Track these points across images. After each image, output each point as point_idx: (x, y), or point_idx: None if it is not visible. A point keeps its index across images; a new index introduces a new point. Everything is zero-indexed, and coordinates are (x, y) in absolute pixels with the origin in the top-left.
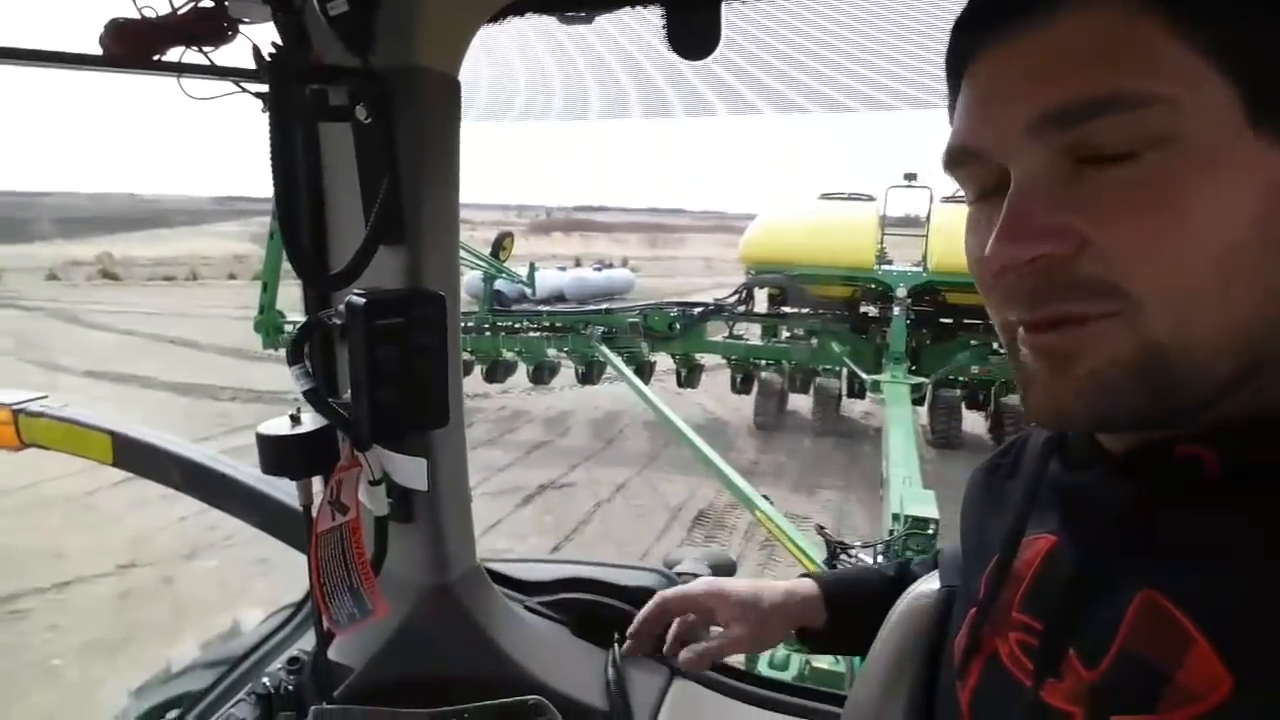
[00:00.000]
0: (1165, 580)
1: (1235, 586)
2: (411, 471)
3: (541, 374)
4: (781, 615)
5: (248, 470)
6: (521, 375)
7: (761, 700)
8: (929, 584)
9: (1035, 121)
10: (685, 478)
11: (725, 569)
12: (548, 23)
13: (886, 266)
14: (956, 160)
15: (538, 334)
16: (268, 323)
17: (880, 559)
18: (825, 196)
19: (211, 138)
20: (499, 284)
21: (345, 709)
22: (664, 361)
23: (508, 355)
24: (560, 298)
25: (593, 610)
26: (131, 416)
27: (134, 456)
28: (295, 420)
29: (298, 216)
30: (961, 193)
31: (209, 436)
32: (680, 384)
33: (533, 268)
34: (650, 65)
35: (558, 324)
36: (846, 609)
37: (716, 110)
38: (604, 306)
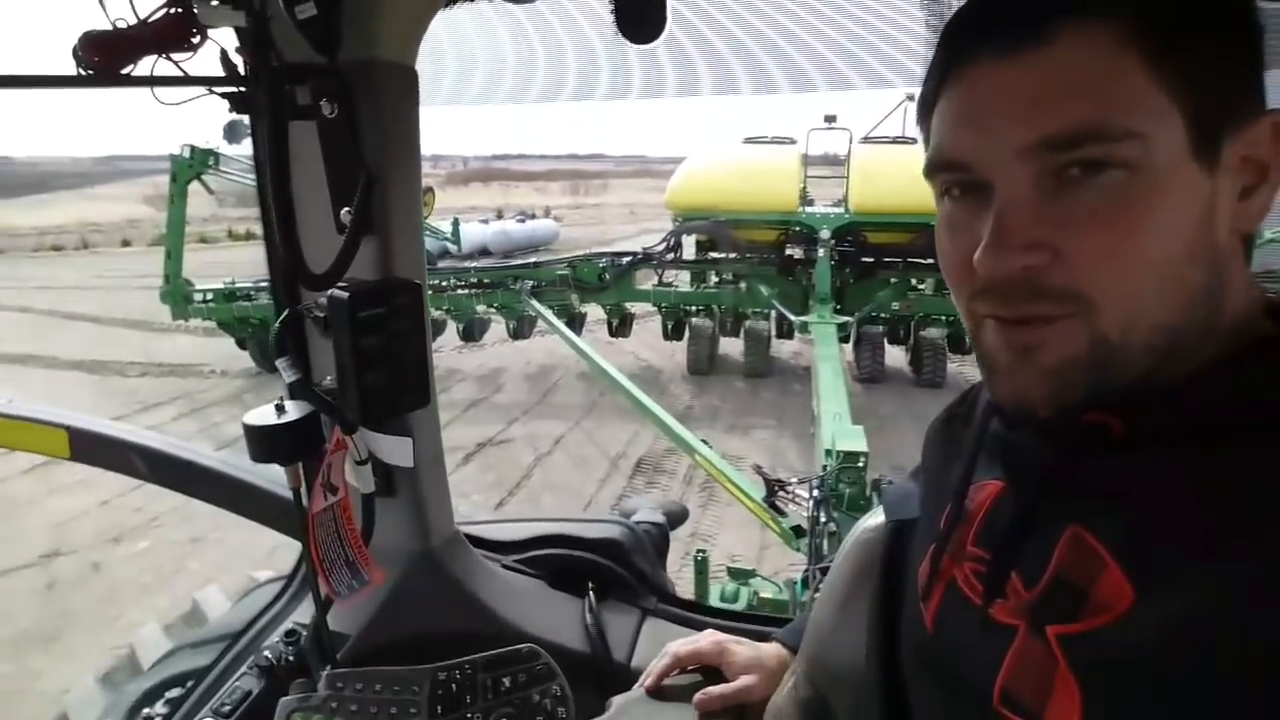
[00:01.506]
0: (1086, 518)
1: (1137, 522)
2: (398, 450)
3: (472, 331)
4: (784, 671)
5: (211, 454)
6: (451, 334)
7: (723, 629)
8: (874, 519)
9: (1030, 146)
10: (623, 426)
11: (678, 516)
12: (498, 7)
13: (810, 209)
14: (944, 168)
15: (465, 291)
16: (175, 293)
17: (816, 493)
18: (749, 141)
19: (87, 94)
20: None
21: (354, 670)
22: (595, 312)
23: (436, 314)
24: (484, 252)
25: (565, 563)
26: (37, 399)
27: (93, 450)
28: (280, 409)
29: (291, 218)
30: (878, 133)
31: (123, 415)
32: (612, 334)
33: (456, 223)
34: (599, 47)
35: (485, 280)
36: None
37: (666, 91)
38: (531, 260)
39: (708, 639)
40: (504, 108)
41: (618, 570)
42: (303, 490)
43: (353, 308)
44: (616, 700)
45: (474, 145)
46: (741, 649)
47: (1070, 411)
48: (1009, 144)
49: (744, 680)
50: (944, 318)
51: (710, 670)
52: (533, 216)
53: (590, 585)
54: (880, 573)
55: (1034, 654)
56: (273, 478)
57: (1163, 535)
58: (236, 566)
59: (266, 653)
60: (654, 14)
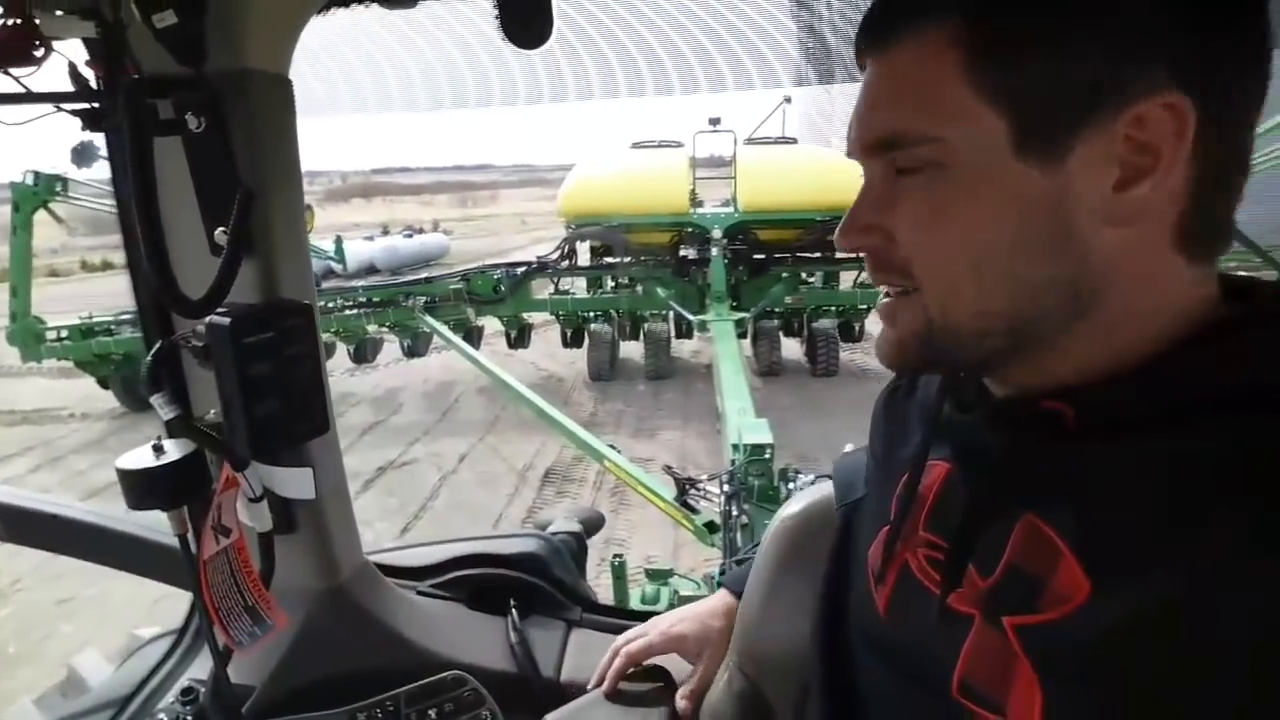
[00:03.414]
0: (1041, 507)
1: (1092, 512)
2: (297, 482)
3: (364, 352)
4: (730, 632)
5: (78, 505)
6: (342, 356)
7: None
8: (792, 506)
9: (867, 145)
10: (528, 438)
11: (594, 523)
12: (376, 13)
13: (701, 210)
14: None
15: (355, 311)
16: (24, 332)
17: (726, 488)
18: (636, 145)
19: None
20: None
21: None
22: (492, 324)
23: (325, 337)
24: (371, 269)
25: (483, 583)
26: None
27: None
28: (159, 450)
29: (160, 242)
30: (760, 134)
31: None
32: (511, 345)
33: (339, 241)
34: (481, 52)
35: (375, 298)
36: None
37: (568, 96)
38: (423, 275)
39: (655, 632)
40: (382, 121)
41: (538, 584)
42: (190, 536)
43: (235, 334)
44: (549, 718)
45: (352, 160)
46: (689, 630)
47: (1025, 397)
48: (858, 140)
49: (704, 664)
50: (834, 309)
51: (652, 670)
52: (420, 231)
53: (512, 602)
54: (810, 559)
55: (992, 644)
56: (152, 525)
57: (1117, 526)
58: (117, 624)
59: (161, 715)
60: (539, 18)
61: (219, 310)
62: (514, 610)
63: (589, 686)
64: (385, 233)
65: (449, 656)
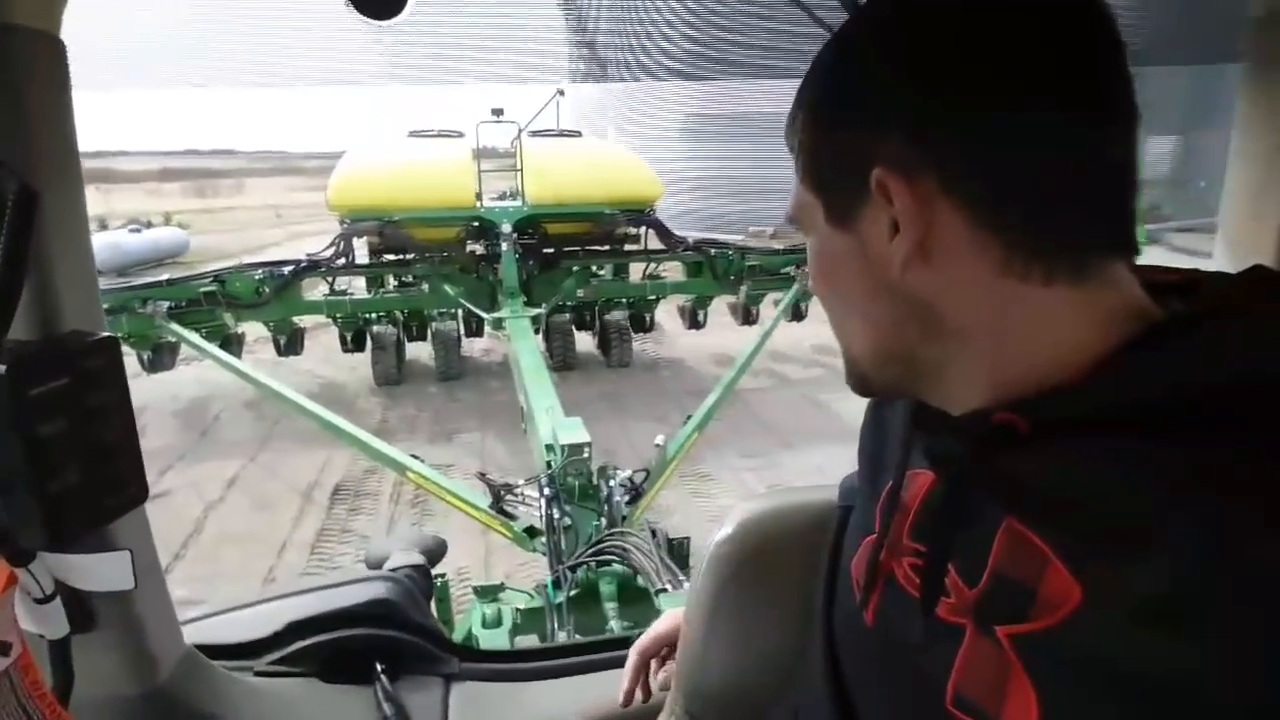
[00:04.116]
0: (1021, 511)
1: (1072, 514)
2: (110, 570)
3: None
4: None
5: None
6: None
7: (533, 673)
8: (725, 530)
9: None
10: (310, 454)
11: (437, 552)
12: None
13: (489, 204)
14: None
15: None
16: None
17: (546, 491)
18: (414, 134)
19: None
20: None
21: None
22: (256, 330)
23: None
24: None
25: (337, 647)
26: None
27: None
28: None
29: None
30: (539, 126)
31: None
32: (281, 352)
33: None
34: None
35: (104, 305)
36: None
37: (415, 78)
38: (164, 277)
39: (666, 621)
40: (89, 96)
41: (401, 637)
42: None
43: (18, 385)
44: None
45: None
46: None
47: (979, 412)
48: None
49: None
50: (625, 300)
51: None
52: (149, 225)
53: (377, 666)
54: (826, 565)
55: (986, 655)
56: None
57: (1097, 527)
58: None
59: None
60: None
61: None
62: (381, 675)
63: (625, 693)
64: (104, 227)
65: None
